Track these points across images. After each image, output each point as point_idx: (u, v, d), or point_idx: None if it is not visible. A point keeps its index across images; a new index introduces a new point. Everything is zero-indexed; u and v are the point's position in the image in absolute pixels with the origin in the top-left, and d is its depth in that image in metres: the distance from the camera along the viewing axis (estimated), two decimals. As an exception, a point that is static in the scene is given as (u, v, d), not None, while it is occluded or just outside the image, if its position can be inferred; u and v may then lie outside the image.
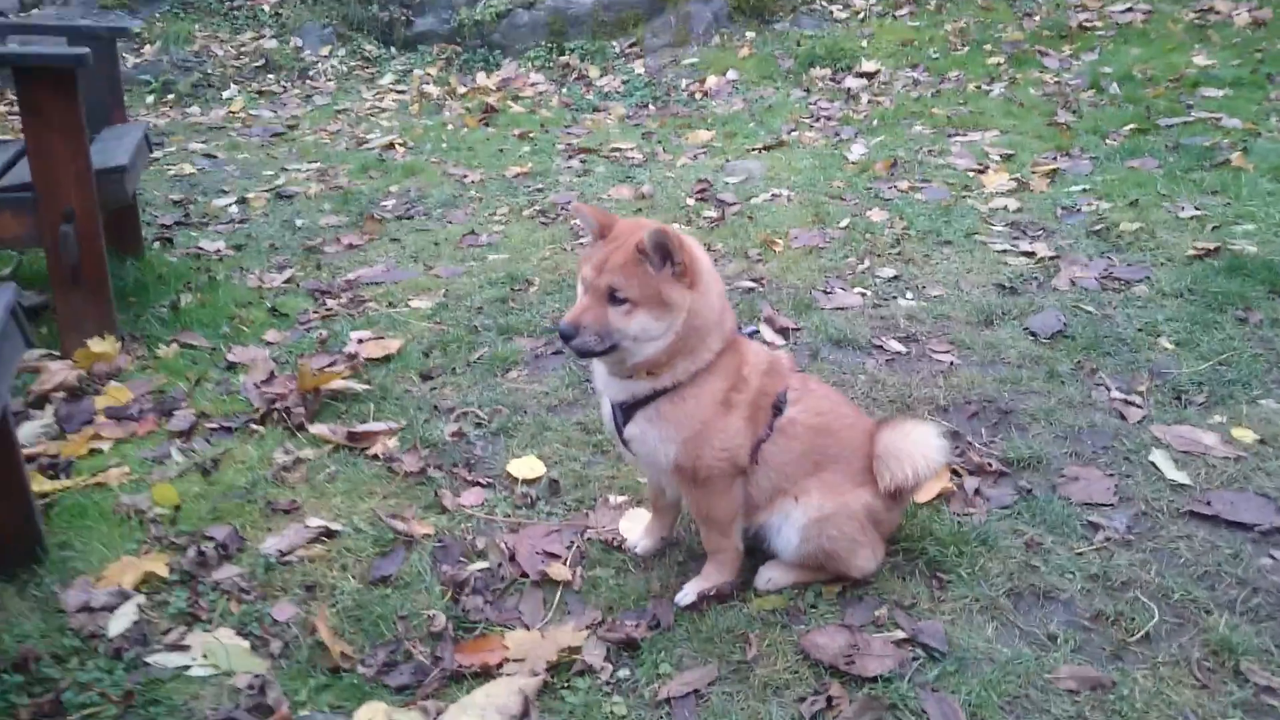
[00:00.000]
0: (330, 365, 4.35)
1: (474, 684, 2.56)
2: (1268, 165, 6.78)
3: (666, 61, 12.33)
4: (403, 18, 13.23)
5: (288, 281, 5.81)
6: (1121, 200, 6.40)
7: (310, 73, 12.65)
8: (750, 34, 12.49)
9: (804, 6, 12.80)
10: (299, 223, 7.05)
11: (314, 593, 2.96)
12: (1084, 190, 6.70)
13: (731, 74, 11.63)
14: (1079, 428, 3.72)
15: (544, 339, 4.72)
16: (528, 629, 2.81)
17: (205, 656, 2.65)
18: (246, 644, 2.72)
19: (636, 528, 3.27)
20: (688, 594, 2.92)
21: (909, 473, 2.87)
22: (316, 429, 3.84)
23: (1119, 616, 2.74)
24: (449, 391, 4.26)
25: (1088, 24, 11.77)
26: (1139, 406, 3.86)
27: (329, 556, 3.12)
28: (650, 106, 11.19)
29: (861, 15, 12.64)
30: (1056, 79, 10.04)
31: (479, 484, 3.55)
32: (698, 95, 11.36)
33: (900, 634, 2.72)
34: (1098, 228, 5.97)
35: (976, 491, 3.34)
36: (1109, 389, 4.01)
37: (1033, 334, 4.56)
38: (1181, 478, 3.35)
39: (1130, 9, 11.94)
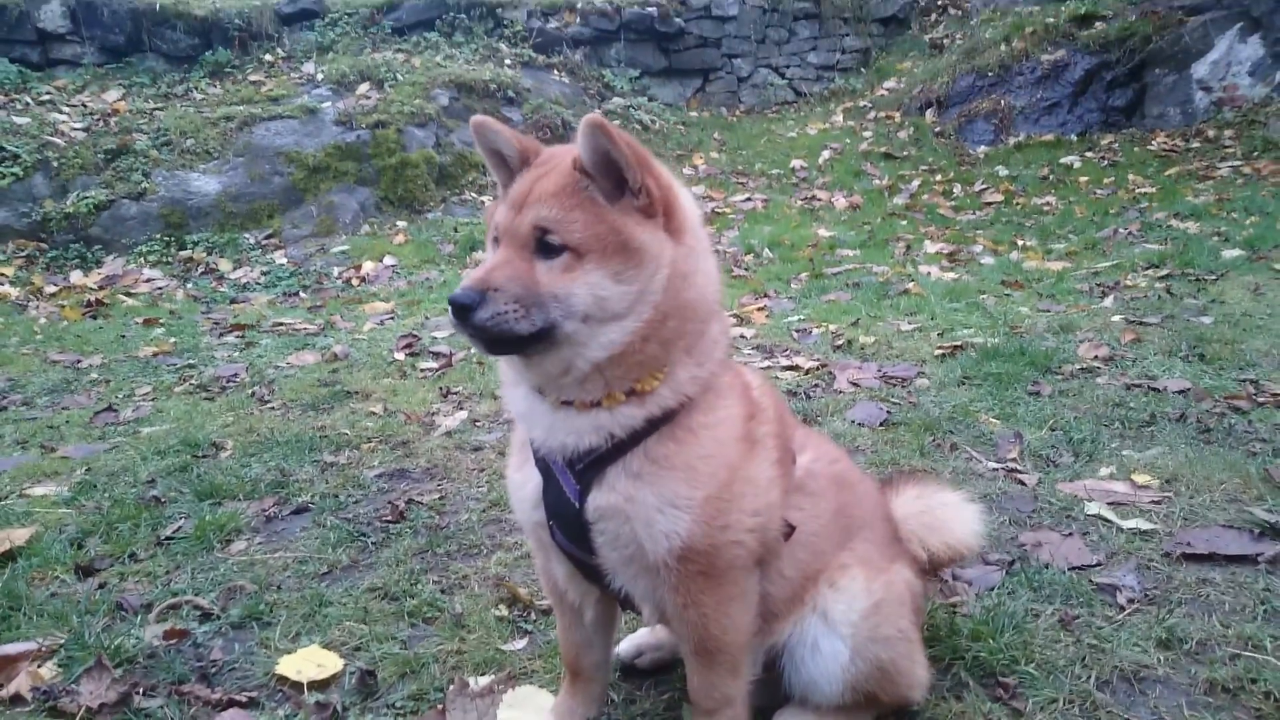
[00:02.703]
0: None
1: None
2: (939, 291, 7.33)
3: (313, 250, 11.22)
4: (-37, 213, 10.78)
5: None
6: (842, 323, 6.43)
7: None
8: (402, 223, 11.85)
9: (454, 197, 12.53)
10: None
11: None
12: (802, 319, 6.68)
13: (389, 260, 10.79)
14: (993, 496, 3.16)
15: (272, 497, 3.27)
16: None
17: None
18: None
19: (531, 715, 2.01)
20: (683, 796, 1.73)
21: (948, 543, 2.05)
22: (-118, 673, 2.09)
23: (1238, 684, 2.04)
24: (134, 583, 2.66)
25: (719, 210, 12.79)
26: (1024, 472, 3.40)
27: None
28: (301, 294, 9.93)
29: (512, 205, 12.65)
30: (715, 248, 10.55)
31: (235, 703, 2.06)
32: (354, 281, 10.33)
33: (1023, 771, 1.77)
34: (839, 343, 5.84)
35: (953, 575, 2.55)
36: (982, 460, 3.54)
37: (862, 424, 4.04)
38: (1138, 525, 2.86)
39: (750, 199, 13.23)
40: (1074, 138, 12.55)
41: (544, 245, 1.56)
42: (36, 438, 4.44)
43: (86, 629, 2.32)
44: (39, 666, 2.17)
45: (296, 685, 2.14)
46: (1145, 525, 2.85)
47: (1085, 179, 11.22)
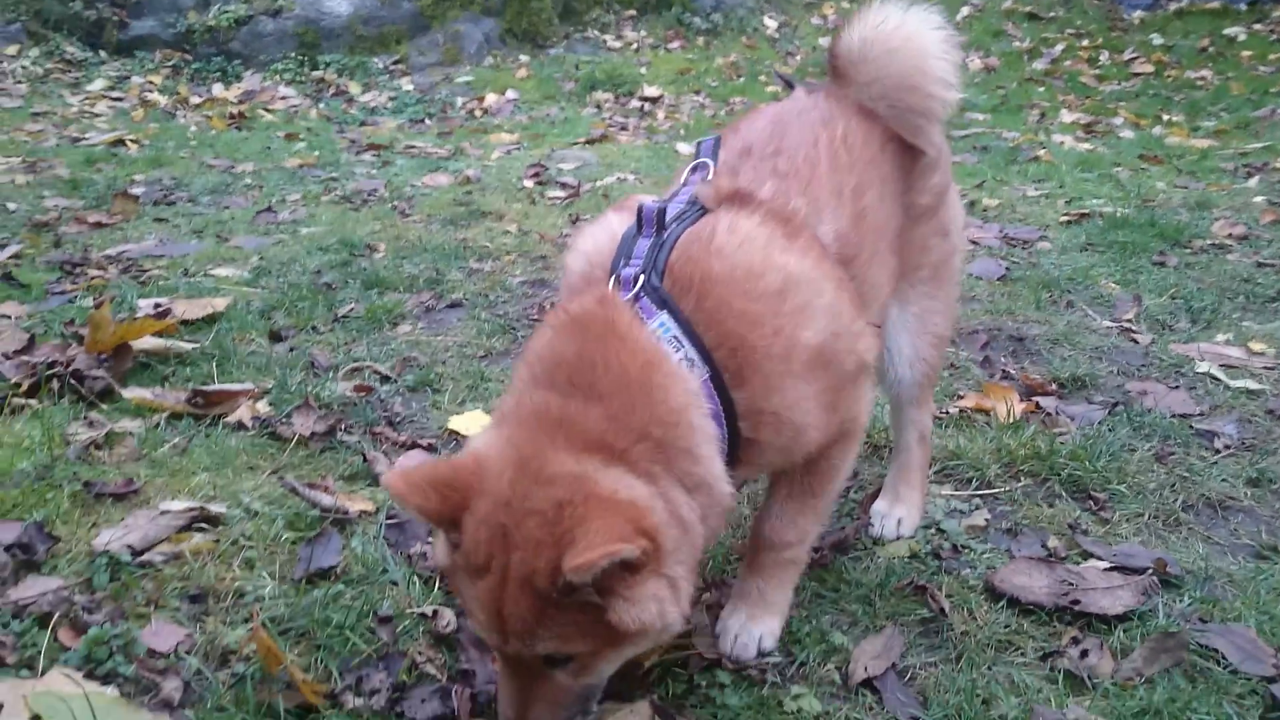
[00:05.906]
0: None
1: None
2: (1071, 160, 7.13)
3: (438, 79, 11.40)
4: (115, 19, 11.25)
5: (14, 258, 4.23)
6: (966, 184, 6.36)
7: (-7, 72, 10.34)
8: (524, 57, 11.88)
9: (576, 34, 12.44)
10: (11, 206, 5.35)
11: (209, 603, 1.73)
12: (925, 178, 6.63)
13: (511, 93, 10.92)
14: (1105, 349, 3.28)
15: (429, 292, 3.62)
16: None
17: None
18: (112, 690, 1.46)
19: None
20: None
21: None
22: (133, 393, 2.52)
23: (1318, 517, 2.21)
24: (319, 350, 3.05)
25: (845, 64, 12.38)
26: (1138, 332, 3.49)
27: (218, 551, 1.88)
28: (427, 121, 10.19)
29: (635, 46, 12.49)
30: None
31: (418, 445, 2.43)
32: (477, 113, 10.52)
33: (1101, 563, 2.00)
34: (962, 203, 5.83)
35: (1057, 410, 2.74)
36: (1097, 319, 3.63)
37: (980, 277, 4.15)
38: (1247, 384, 2.96)
39: (879, 53, 12.73)
40: (1243, 7, 11.60)
41: (553, 660, 1.40)
42: (209, 230, 4.89)
43: (288, 378, 2.72)
44: (254, 403, 2.57)
45: (466, 437, 2.49)
46: (1254, 385, 2.95)
47: (1248, 53, 10.45)
